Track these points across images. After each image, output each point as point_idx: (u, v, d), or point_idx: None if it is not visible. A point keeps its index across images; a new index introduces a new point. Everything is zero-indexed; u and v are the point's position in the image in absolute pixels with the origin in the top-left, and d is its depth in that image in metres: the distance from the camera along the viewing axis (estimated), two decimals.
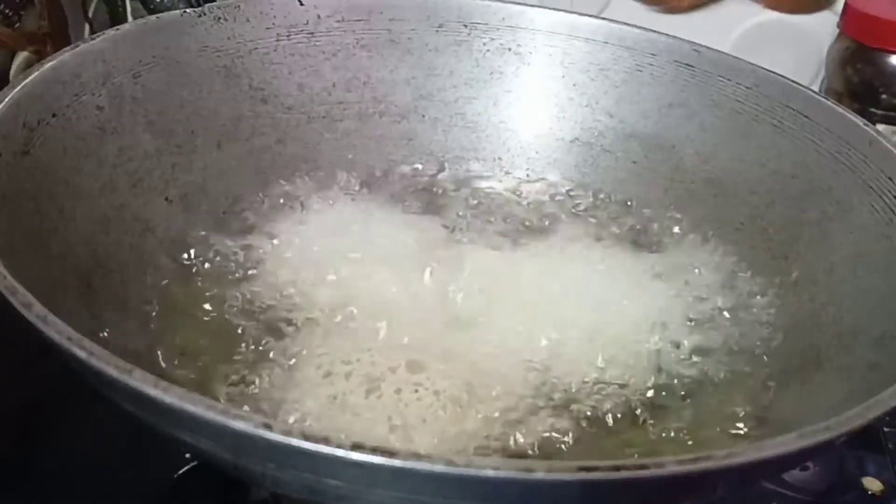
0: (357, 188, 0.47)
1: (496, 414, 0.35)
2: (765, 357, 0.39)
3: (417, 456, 0.22)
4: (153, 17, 0.44)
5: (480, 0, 0.49)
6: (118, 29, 0.41)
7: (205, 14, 0.44)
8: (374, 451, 0.22)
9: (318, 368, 0.35)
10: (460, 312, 0.39)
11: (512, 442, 0.34)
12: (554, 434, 0.34)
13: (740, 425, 0.36)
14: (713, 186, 0.46)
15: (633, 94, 0.48)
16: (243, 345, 0.37)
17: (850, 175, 0.40)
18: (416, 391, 0.35)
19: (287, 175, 0.46)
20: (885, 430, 0.45)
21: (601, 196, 0.49)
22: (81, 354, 0.24)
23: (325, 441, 0.22)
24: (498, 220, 0.47)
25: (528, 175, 0.50)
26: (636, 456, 0.34)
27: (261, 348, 0.37)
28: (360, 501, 0.25)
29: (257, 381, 0.35)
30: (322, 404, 0.34)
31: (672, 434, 0.35)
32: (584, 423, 0.35)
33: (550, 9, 0.50)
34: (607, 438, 0.35)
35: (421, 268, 0.41)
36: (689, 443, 0.35)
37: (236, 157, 0.45)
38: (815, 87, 0.59)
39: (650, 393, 0.37)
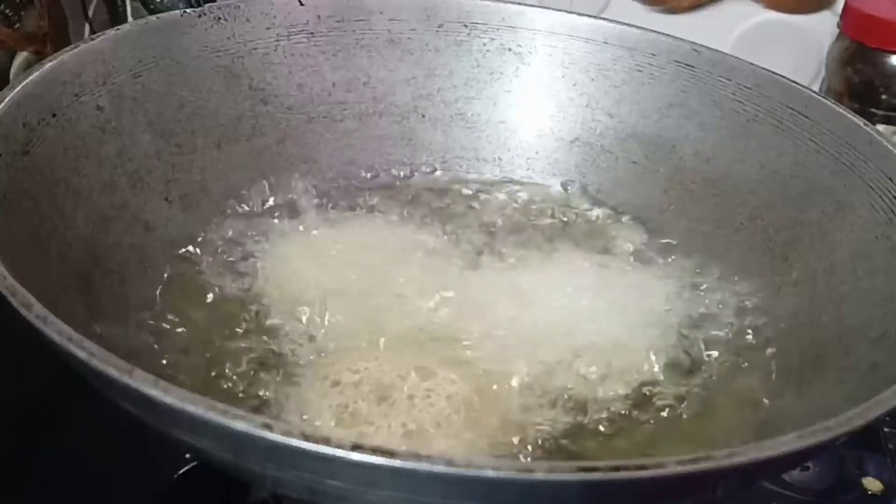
0: (357, 189, 0.47)
1: (508, 417, 0.35)
2: (764, 357, 0.39)
3: (417, 456, 0.22)
4: (153, 17, 0.44)
5: (480, 0, 0.49)
6: (118, 29, 0.41)
7: (205, 14, 0.44)
8: (374, 451, 0.22)
9: (324, 379, 0.35)
10: (462, 317, 0.39)
11: (526, 444, 0.34)
12: (565, 435, 0.34)
13: (740, 426, 0.36)
14: (713, 186, 0.46)
15: (633, 94, 0.48)
16: (244, 348, 0.37)
17: (850, 175, 0.40)
18: (429, 397, 0.34)
19: (287, 175, 0.46)
20: (885, 430, 0.45)
21: (601, 197, 0.49)
22: (81, 354, 0.24)
23: (325, 441, 0.22)
24: (498, 221, 0.47)
25: (528, 175, 0.50)
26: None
27: (263, 353, 0.37)
28: (360, 501, 0.25)
29: (262, 387, 0.35)
30: (334, 413, 0.34)
31: (674, 434, 0.35)
32: (591, 425, 0.35)
33: (550, 9, 0.50)
34: (613, 439, 0.35)
35: (420, 273, 0.41)
36: (690, 443, 0.35)
37: (236, 157, 0.45)
38: (815, 87, 0.59)
39: (652, 394, 0.37)
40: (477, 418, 0.34)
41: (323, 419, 0.33)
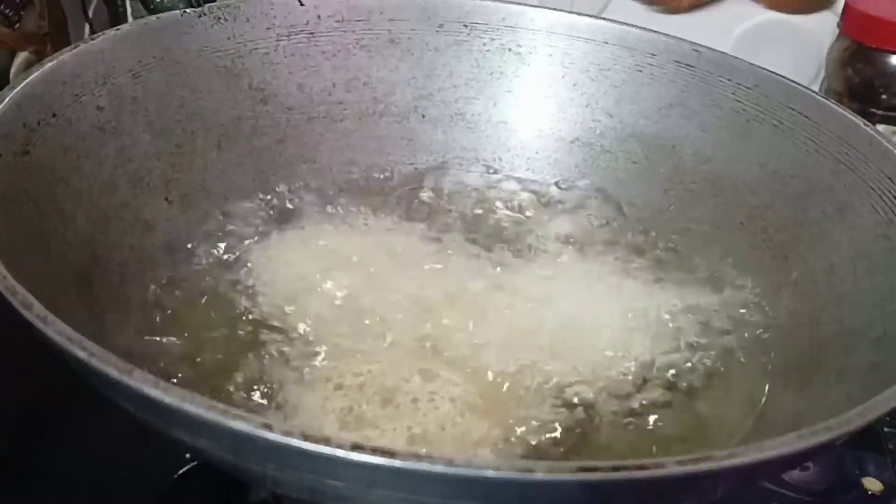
0: (357, 190, 0.47)
1: (512, 418, 0.35)
2: (764, 357, 0.39)
3: (417, 456, 0.22)
4: (153, 17, 0.44)
5: (480, 0, 0.49)
6: (118, 29, 0.41)
7: (205, 14, 0.44)
8: (374, 451, 0.22)
9: (327, 381, 0.35)
10: (463, 318, 0.39)
11: (530, 444, 0.34)
12: (568, 435, 0.34)
13: (740, 426, 0.36)
14: (713, 186, 0.46)
15: (633, 94, 0.48)
16: (245, 349, 0.37)
17: (850, 175, 0.40)
18: (433, 399, 0.34)
19: (287, 175, 0.46)
20: (885, 430, 0.45)
21: (601, 197, 0.49)
22: (81, 355, 0.24)
23: (325, 441, 0.22)
24: (498, 222, 0.47)
25: (528, 175, 0.50)
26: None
27: (264, 355, 0.37)
28: (360, 501, 0.25)
29: (265, 389, 0.35)
30: (337, 416, 0.34)
31: (674, 434, 0.35)
32: (592, 425, 0.35)
33: (550, 9, 0.50)
34: (614, 439, 0.35)
35: (421, 274, 0.41)
36: (690, 443, 0.35)
37: (236, 157, 0.45)
38: (815, 87, 0.59)
39: (653, 394, 0.37)
40: (481, 420, 0.34)
41: (327, 422, 0.33)
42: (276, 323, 0.38)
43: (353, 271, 0.41)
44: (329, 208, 0.46)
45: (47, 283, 0.31)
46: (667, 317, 0.41)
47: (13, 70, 0.56)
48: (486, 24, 0.49)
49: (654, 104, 0.48)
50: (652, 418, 0.36)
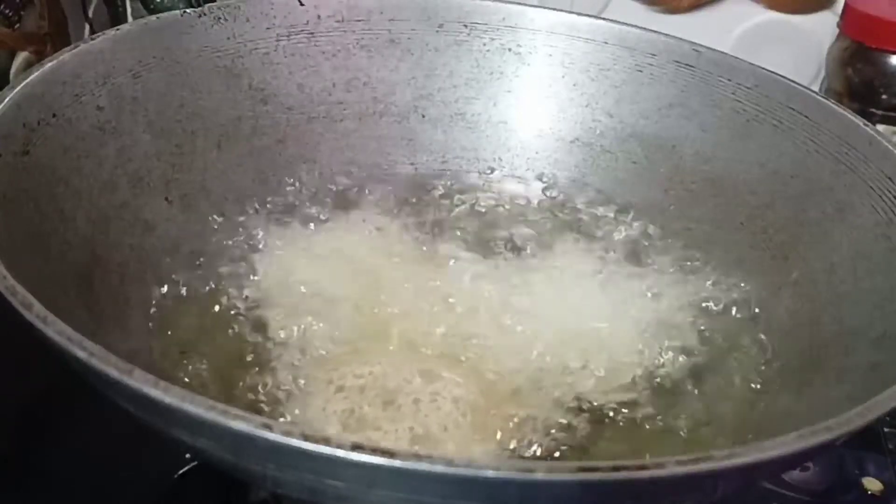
0: (356, 190, 0.47)
1: (516, 419, 0.35)
2: (764, 358, 0.39)
3: (417, 456, 0.22)
4: (153, 17, 0.44)
5: (480, 0, 0.49)
6: (118, 29, 0.41)
7: (205, 14, 0.44)
8: (374, 451, 0.22)
9: (328, 384, 0.35)
10: (464, 318, 0.39)
11: (533, 445, 0.34)
12: (570, 435, 0.35)
13: (740, 426, 0.36)
14: (713, 186, 0.46)
15: (633, 94, 0.48)
16: (245, 351, 0.37)
17: (850, 175, 0.40)
18: (435, 400, 0.34)
19: (287, 175, 0.46)
20: (885, 430, 0.45)
21: (601, 197, 0.49)
22: (81, 355, 0.24)
23: (325, 441, 0.22)
24: (498, 222, 0.47)
25: (528, 175, 0.50)
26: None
27: (264, 356, 0.37)
28: (360, 501, 0.25)
29: (265, 391, 0.35)
30: (339, 418, 0.34)
31: (674, 435, 0.35)
32: (594, 425, 0.35)
33: (550, 9, 0.50)
34: (615, 439, 0.35)
35: (421, 276, 0.41)
36: (690, 443, 0.35)
37: (236, 157, 0.45)
38: (815, 87, 0.59)
39: (653, 394, 0.37)
40: (484, 420, 0.34)
41: (329, 424, 0.33)
42: (275, 324, 0.38)
43: (352, 272, 0.41)
44: (328, 208, 0.46)
45: (47, 283, 0.31)
46: (666, 317, 0.41)
47: (13, 70, 0.56)
48: (486, 24, 0.49)
49: (654, 104, 0.48)
50: (652, 419, 0.36)
